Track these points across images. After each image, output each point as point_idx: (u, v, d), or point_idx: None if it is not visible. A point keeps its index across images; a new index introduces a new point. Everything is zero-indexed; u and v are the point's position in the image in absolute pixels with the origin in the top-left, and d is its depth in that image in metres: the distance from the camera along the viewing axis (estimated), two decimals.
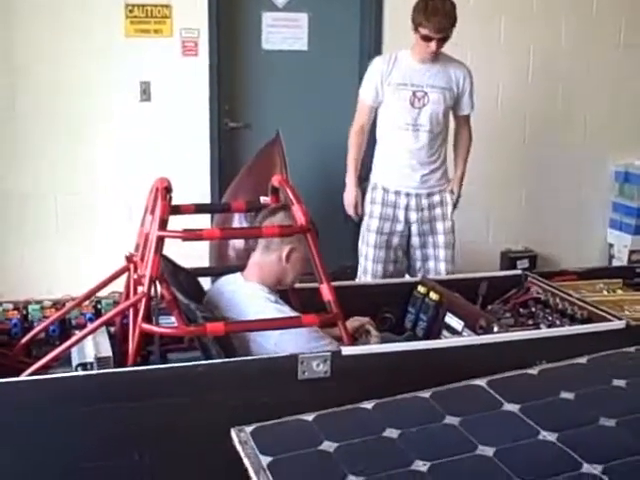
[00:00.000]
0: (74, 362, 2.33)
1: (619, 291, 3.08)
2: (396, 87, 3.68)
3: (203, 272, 2.73)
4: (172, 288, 2.30)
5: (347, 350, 2.28)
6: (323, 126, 4.94)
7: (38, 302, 2.64)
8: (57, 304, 2.66)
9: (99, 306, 2.68)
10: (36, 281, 4.47)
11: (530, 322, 2.94)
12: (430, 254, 3.84)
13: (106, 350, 2.35)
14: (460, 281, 3.15)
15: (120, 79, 4.56)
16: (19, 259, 4.61)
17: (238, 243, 3.81)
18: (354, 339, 2.60)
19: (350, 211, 3.86)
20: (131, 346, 2.26)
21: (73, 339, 2.27)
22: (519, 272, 3.22)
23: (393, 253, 3.80)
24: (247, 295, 2.46)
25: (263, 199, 3.98)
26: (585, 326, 2.60)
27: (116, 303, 2.68)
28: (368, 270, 3.80)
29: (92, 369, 2.27)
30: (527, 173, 5.13)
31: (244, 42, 4.86)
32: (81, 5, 4.43)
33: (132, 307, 2.28)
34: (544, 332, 2.59)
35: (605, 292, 3.06)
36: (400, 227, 3.78)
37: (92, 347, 2.35)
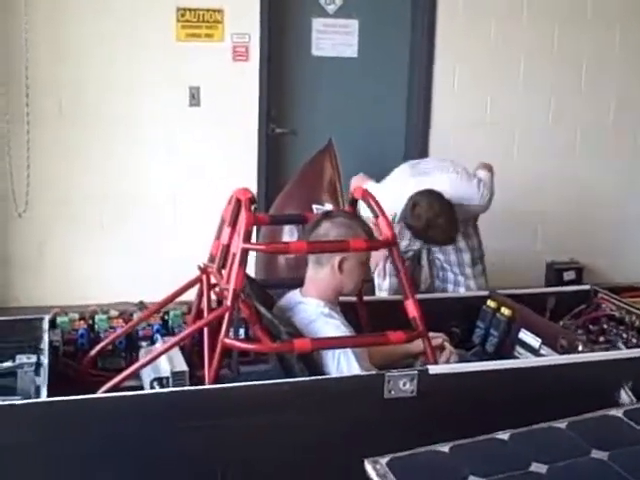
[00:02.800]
0: (147, 377, 2.26)
1: None
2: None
3: (273, 284, 2.66)
4: (255, 302, 2.23)
5: (434, 369, 2.20)
6: (371, 134, 4.90)
7: (105, 312, 2.57)
8: (124, 314, 2.59)
9: (166, 317, 2.60)
10: (83, 284, 4.45)
11: (602, 339, 2.87)
12: (457, 271, 3.72)
13: (181, 364, 2.27)
14: (527, 296, 3.07)
15: (170, 83, 4.53)
16: (66, 262, 4.58)
17: None
18: None
19: None
20: (207, 362, 2.18)
21: (149, 357, 2.20)
22: (587, 287, 3.13)
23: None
24: (305, 312, 2.39)
25: (316, 207, 3.98)
26: None
27: (184, 314, 2.61)
28: (383, 287, 3.67)
29: (168, 384, 2.20)
30: (575, 184, 5.05)
31: (294, 48, 4.84)
32: (133, 8, 4.41)
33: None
34: (632, 352, 2.50)
35: None
36: (416, 247, 3.66)
37: (166, 361, 2.27)
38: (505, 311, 2.82)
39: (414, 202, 3.34)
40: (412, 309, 2.26)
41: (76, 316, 2.54)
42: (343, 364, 2.27)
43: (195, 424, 2.03)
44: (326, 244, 2.29)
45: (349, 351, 2.28)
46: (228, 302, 2.15)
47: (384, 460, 1.54)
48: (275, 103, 4.80)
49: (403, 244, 3.59)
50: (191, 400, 2.06)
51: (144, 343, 2.52)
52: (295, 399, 2.10)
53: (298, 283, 2.50)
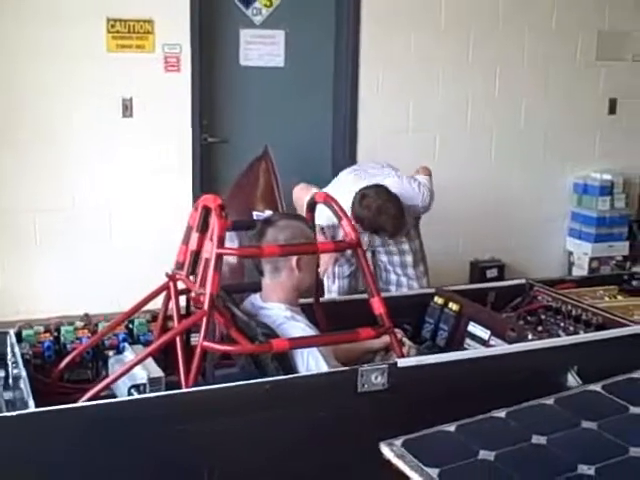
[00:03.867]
0: (122, 385, 2.28)
1: (619, 297, 3.24)
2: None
3: (234, 289, 2.71)
4: (230, 304, 2.29)
5: (403, 362, 2.32)
6: (299, 141, 5.01)
7: (70, 323, 2.57)
8: (89, 325, 2.60)
9: (131, 326, 2.62)
10: (16, 299, 4.38)
11: (539, 329, 3.06)
12: (401, 272, 3.84)
13: (156, 370, 2.31)
14: (468, 291, 3.24)
15: (102, 95, 4.52)
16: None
17: (232, 258, 3.83)
18: (388, 351, 2.66)
19: None
20: (182, 366, 2.23)
21: (130, 363, 2.23)
22: (523, 281, 3.33)
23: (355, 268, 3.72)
24: (270, 318, 2.45)
25: (256, 214, 4.04)
26: (613, 331, 2.72)
27: (149, 322, 2.64)
28: (332, 289, 3.79)
29: (145, 390, 2.23)
30: (493, 186, 5.32)
31: (223, 58, 4.91)
32: (62, 19, 4.37)
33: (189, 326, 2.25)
34: (577, 338, 2.70)
35: (607, 298, 3.21)
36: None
37: (141, 368, 2.30)
38: (453, 306, 2.97)
39: (362, 194, 3.44)
40: (378, 306, 2.38)
41: (41, 329, 2.54)
42: (312, 363, 2.36)
43: (181, 427, 2.08)
44: (298, 247, 2.38)
45: (315, 350, 2.38)
46: (205, 306, 2.20)
47: (398, 442, 1.65)
48: (206, 113, 4.85)
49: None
50: (174, 403, 2.10)
51: (111, 353, 2.53)
52: (275, 397, 2.18)
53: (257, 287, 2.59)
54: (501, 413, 1.78)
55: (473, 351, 2.51)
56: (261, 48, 4.94)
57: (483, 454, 1.56)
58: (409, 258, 3.81)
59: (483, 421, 1.76)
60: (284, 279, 2.46)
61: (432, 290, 3.16)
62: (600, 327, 2.85)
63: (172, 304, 2.43)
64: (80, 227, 4.59)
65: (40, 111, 4.43)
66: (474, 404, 2.38)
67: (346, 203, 3.25)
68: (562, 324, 3.01)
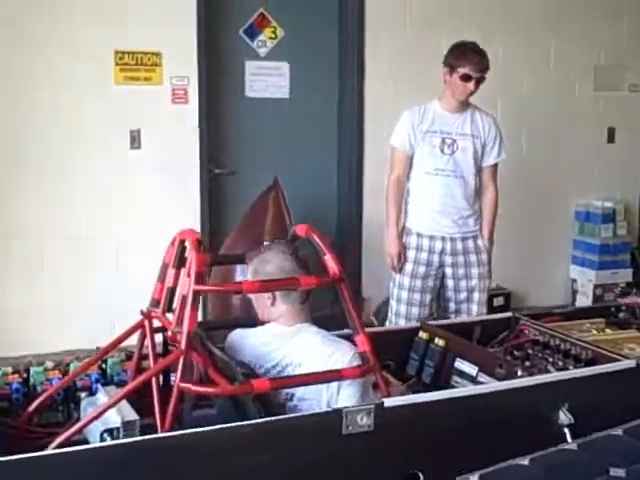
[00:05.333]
0: (95, 428, 2.16)
1: (607, 330, 3.17)
2: (425, 134, 3.74)
3: (214, 325, 2.62)
4: (208, 343, 2.19)
5: (389, 402, 2.23)
6: (305, 171, 5.05)
7: (40, 364, 2.45)
8: (60, 365, 2.48)
9: (104, 366, 2.51)
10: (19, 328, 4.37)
11: (527, 364, 2.98)
12: (464, 297, 3.87)
13: (130, 413, 2.20)
14: (453, 325, 3.16)
15: (110, 126, 4.51)
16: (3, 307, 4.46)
17: None
18: None
19: (394, 262, 3.83)
20: (157, 409, 2.12)
21: (103, 406, 2.11)
22: (509, 315, 3.26)
23: (428, 296, 3.81)
24: (308, 338, 2.37)
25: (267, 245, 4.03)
26: (603, 366, 2.65)
27: (123, 361, 2.53)
28: (401, 313, 3.80)
29: (119, 434, 2.12)
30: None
31: (229, 90, 4.93)
32: (70, 51, 4.37)
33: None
34: (568, 374, 2.62)
35: (594, 331, 3.14)
36: (434, 271, 3.81)
37: (115, 411, 2.19)
38: (439, 341, 2.88)
39: None
40: (363, 343, 2.29)
41: (9, 369, 2.42)
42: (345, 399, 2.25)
43: (157, 474, 1.97)
44: (278, 282, 2.29)
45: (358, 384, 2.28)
46: (182, 345, 2.10)
47: (474, 477, 1.67)
48: (213, 144, 4.84)
49: (410, 255, 3.79)
50: (149, 448, 1.99)
51: (83, 394, 2.42)
52: (256, 441, 2.07)
53: (243, 323, 2.49)
54: (572, 445, 1.80)
55: (462, 389, 2.42)
56: (267, 79, 4.99)
57: (614, 472, 1.57)
58: (475, 282, 3.84)
59: (556, 454, 1.76)
60: (303, 307, 2.41)
61: (417, 324, 3.08)
62: (590, 362, 2.77)
63: (148, 343, 2.33)
64: (87, 256, 4.55)
65: (49, 141, 4.42)
66: (464, 443, 2.32)
67: None
68: (551, 359, 2.93)
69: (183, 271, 2.27)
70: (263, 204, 4.37)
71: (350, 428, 2.16)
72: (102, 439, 2.10)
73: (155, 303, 2.37)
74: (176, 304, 2.24)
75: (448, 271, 3.85)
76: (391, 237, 3.84)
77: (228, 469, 2.04)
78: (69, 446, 2.00)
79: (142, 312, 2.37)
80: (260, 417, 2.12)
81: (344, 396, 2.24)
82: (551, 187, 5.63)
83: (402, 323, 3.71)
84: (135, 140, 4.57)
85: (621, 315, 3.45)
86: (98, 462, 1.93)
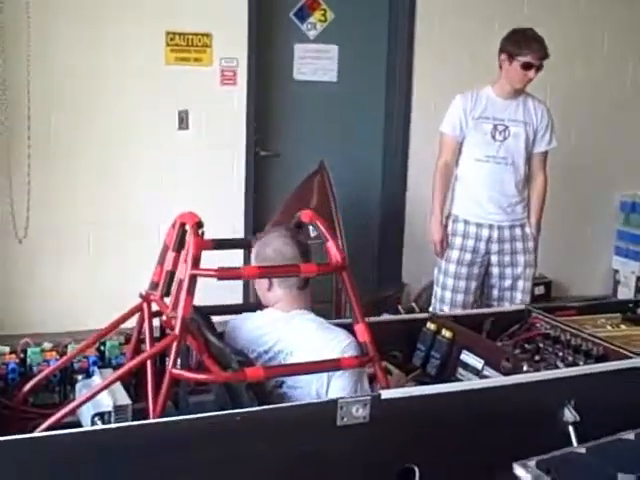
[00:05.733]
0: (87, 412, 2.14)
1: (622, 326, 3.09)
2: (477, 120, 3.72)
3: (217, 310, 2.57)
4: (204, 330, 2.16)
5: (386, 394, 2.18)
6: (351, 154, 5.07)
7: (37, 344, 2.44)
8: (57, 346, 2.46)
9: (103, 348, 2.49)
10: (71, 311, 4.43)
11: (537, 358, 2.91)
12: (508, 285, 3.86)
13: (123, 397, 2.17)
14: (464, 317, 3.10)
15: (159, 107, 4.54)
16: (52, 289, 4.51)
17: None
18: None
19: (437, 248, 3.84)
20: (151, 394, 2.08)
21: (93, 390, 2.08)
22: (522, 307, 3.19)
23: (473, 283, 3.81)
24: (301, 324, 2.31)
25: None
26: (612, 363, 2.58)
27: (122, 345, 2.50)
28: (446, 299, 3.82)
29: (110, 419, 2.09)
30: None
31: (277, 72, 4.95)
32: (123, 33, 4.40)
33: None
34: (574, 370, 2.54)
35: (609, 327, 3.06)
36: (480, 258, 3.80)
37: (107, 394, 2.16)
38: (446, 333, 2.82)
39: None
40: (362, 333, 2.23)
41: (6, 349, 2.40)
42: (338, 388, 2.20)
43: (144, 461, 1.94)
44: (278, 268, 2.25)
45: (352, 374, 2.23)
46: (176, 330, 2.07)
47: (532, 463, 1.72)
48: (260, 126, 4.85)
49: (457, 242, 3.80)
50: (138, 435, 1.96)
51: (80, 376, 2.40)
52: (247, 430, 2.04)
53: (245, 308, 2.46)
54: (630, 435, 1.82)
55: (463, 383, 2.36)
56: (315, 62, 5.00)
57: (622, 478, 1.57)
58: (520, 270, 3.83)
59: (612, 443, 1.80)
60: (300, 294, 2.35)
61: (426, 315, 3.01)
62: (601, 358, 2.70)
63: (146, 326, 2.30)
64: (134, 238, 4.57)
65: (101, 124, 4.46)
66: (464, 438, 2.27)
67: None
68: (560, 354, 2.87)
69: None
70: (308, 187, 4.42)
71: (345, 419, 2.11)
72: (93, 423, 2.07)
73: (154, 286, 2.34)
74: (173, 288, 2.20)
75: (494, 259, 3.84)
76: (435, 223, 3.83)
77: (220, 458, 2.00)
78: (61, 428, 1.98)
79: (141, 295, 2.34)
80: (253, 406, 2.08)
81: (335, 387, 2.19)
82: (597, 176, 5.57)
83: (446, 310, 3.71)
84: (183, 121, 4.60)
85: (639, 311, 3.37)
86: (84, 446, 1.91)
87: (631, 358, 2.60)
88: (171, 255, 2.26)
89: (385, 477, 2.21)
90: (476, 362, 2.68)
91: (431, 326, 2.90)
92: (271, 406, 2.09)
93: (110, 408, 2.10)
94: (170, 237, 2.30)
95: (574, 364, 2.73)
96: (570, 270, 5.57)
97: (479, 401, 2.31)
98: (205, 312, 2.48)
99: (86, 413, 2.13)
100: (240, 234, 4.65)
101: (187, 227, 2.24)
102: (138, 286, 4.45)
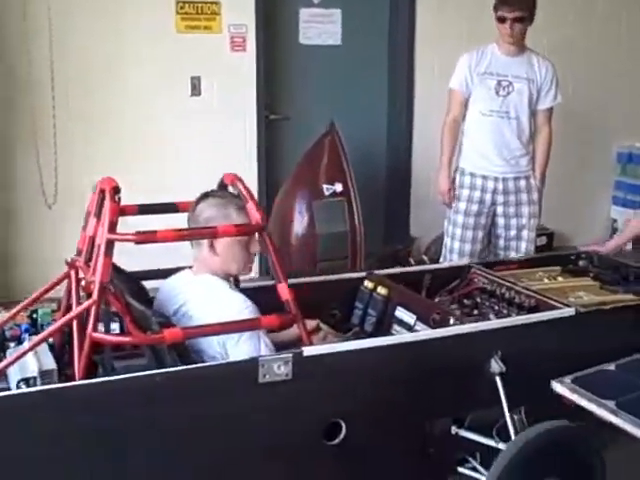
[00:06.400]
0: (13, 376, 2.18)
1: (559, 278, 3.13)
2: (482, 76, 3.81)
3: (147, 275, 2.59)
4: (124, 294, 2.18)
5: (309, 350, 2.21)
6: (356, 116, 5.14)
7: None
8: None
9: (35, 316, 2.52)
10: None
11: (475, 312, 2.96)
12: (513, 235, 3.97)
13: (49, 363, 2.21)
14: (405, 274, 3.13)
15: (172, 74, 4.64)
16: None
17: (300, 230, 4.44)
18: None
19: (445, 199, 3.99)
20: (76, 358, 2.11)
21: (15, 355, 2.12)
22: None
23: (480, 233, 3.94)
24: (202, 288, 2.35)
25: (326, 187, 4.39)
26: (538, 314, 2.62)
27: (54, 312, 2.53)
28: (455, 249, 3.95)
29: (35, 384, 2.13)
30: None
31: (284, 37, 5.05)
32: (134, 1, 4.50)
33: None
34: (501, 322, 2.59)
35: (546, 280, 3.10)
36: (486, 209, 3.92)
37: (34, 359, 2.20)
38: (381, 290, 2.85)
39: None
40: (284, 293, 2.26)
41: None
42: (245, 349, 2.24)
43: (66, 422, 1.97)
44: (194, 231, 2.27)
45: (255, 335, 2.26)
46: (94, 295, 2.09)
47: (568, 379, 2.09)
48: (268, 90, 4.94)
49: (464, 194, 3.92)
50: (61, 397, 1.99)
51: (12, 344, 2.43)
52: (168, 390, 2.07)
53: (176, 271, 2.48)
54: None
55: (383, 338, 2.38)
56: (319, 27, 5.08)
57: None
58: (524, 220, 3.94)
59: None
60: (205, 256, 2.36)
61: (364, 274, 3.04)
62: (532, 309, 2.75)
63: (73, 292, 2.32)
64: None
65: (115, 92, 4.54)
66: (389, 392, 2.31)
67: None
68: (496, 307, 2.91)
69: None
70: (320, 148, 4.52)
71: (267, 377, 2.15)
72: (18, 387, 2.11)
73: (79, 252, 2.36)
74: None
75: (499, 209, 3.95)
76: (443, 176, 3.95)
77: (141, 419, 2.04)
78: None
79: (66, 261, 2.36)
80: (176, 367, 2.11)
81: (234, 355, 2.23)
82: (596, 128, 5.66)
83: (455, 258, 3.87)
84: (195, 87, 4.72)
85: (581, 263, 3.41)
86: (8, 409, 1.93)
87: (560, 309, 2.64)
88: (93, 221, 2.28)
89: (312, 432, 2.25)
90: (409, 318, 2.71)
91: (368, 284, 2.92)
92: (191, 366, 2.12)
93: (35, 373, 2.14)
94: (92, 203, 2.32)
95: (508, 316, 2.77)
96: (571, 220, 5.71)
97: (404, 355, 2.35)
98: (137, 277, 2.52)
99: (14, 379, 2.16)
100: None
101: None
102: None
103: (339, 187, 4.44)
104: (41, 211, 4.49)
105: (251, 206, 2.29)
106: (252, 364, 2.14)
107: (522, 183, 3.93)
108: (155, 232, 2.15)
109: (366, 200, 4.66)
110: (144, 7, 4.52)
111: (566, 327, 2.61)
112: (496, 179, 3.89)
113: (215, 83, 4.75)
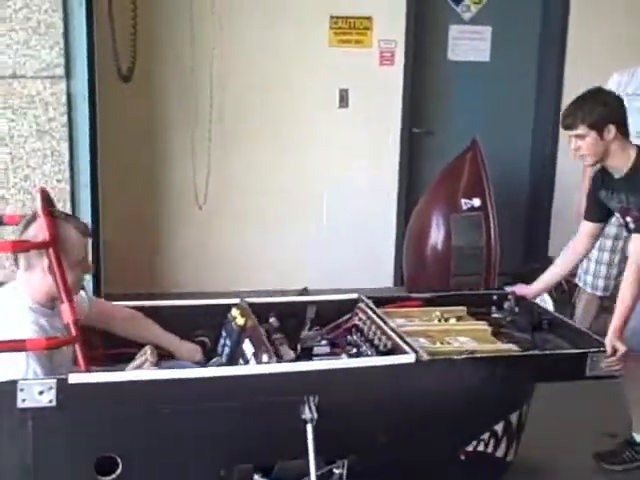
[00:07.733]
0: None
1: (452, 320, 2.83)
2: (631, 97, 3.64)
3: None
4: None
5: (75, 378, 2.08)
6: (502, 133, 5.21)
7: None
8: None
9: None
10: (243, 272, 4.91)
11: (354, 351, 2.73)
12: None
13: None
14: (287, 304, 2.93)
15: (321, 86, 4.90)
16: (228, 252, 4.99)
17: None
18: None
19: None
20: None
21: None
22: (355, 297, 2.97)
23: (616, 256, 3.81)
24: (11, 306, 2.27)
25: (464, 202, 4.48)
26: (370, 359, 2.42)
27: None
28: (590, 270, 3.85)
29: None
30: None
31: (432, 53, 5.18)
32: (290, 17, 4.78)
33: None
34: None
35: (436, 321, 2.82)
36: (625, 233, 3.67)
37: None
38: (239, 320, 2.67)
39: None
40: (67, 315, 2.13)
41: None
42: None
43: None
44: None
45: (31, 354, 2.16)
46: None
47: None
48: (414, 104, 5.11)
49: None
50: None
51: None
52: None
53: None
54: None
55: (165, 372, 2.22)
56: (468, 43, 5.18)
57: None
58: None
59: None
60: (38, 279, 2.24)
61: (236, 301, 2.85)
62: (386, 352, 2.49)
63: None
64: (296, 208, 4.99)
65: (269, 101, 4.85)
66: (172, 429, 2.14)
67: None
68: (363, 347, 2.67)
69: None
70: (461, 162, 4.57)
71: (26, 402, 2.04)
72: None
73: None
74: None
75: None
76: (583, 197, 3.69)
77: None
78: None
79: None
80: None
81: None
82: None
83: (589, 280, 3.84)
84: (343, 99, 4.91)
85: (506, 305, 3.09)
86: None
87: (404, 354, 2.38)
88: None
89: (83, 466, 2.11)
90: (249, 352, 2.52)
91: (234, 313, 2.75)
92: None
93: None
94: None
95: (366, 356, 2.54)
96: None
97: (194, 390, 2.17)
98: None
99: None
100: (393, 207, 5.09)
101: None
102: (302, 250, 5.00)
103: (477, 202, 4.46)
104: (192, 211, 4.81)
105: (41, 222, 2.18)
106: (11, 387, 2.04)
107: None
108: None
109: (505, 217, 4.68)
110: (300, 22, 4.78)
111: (405, 374, 2.34)
112: None
113: (362, 96, 4.94)
